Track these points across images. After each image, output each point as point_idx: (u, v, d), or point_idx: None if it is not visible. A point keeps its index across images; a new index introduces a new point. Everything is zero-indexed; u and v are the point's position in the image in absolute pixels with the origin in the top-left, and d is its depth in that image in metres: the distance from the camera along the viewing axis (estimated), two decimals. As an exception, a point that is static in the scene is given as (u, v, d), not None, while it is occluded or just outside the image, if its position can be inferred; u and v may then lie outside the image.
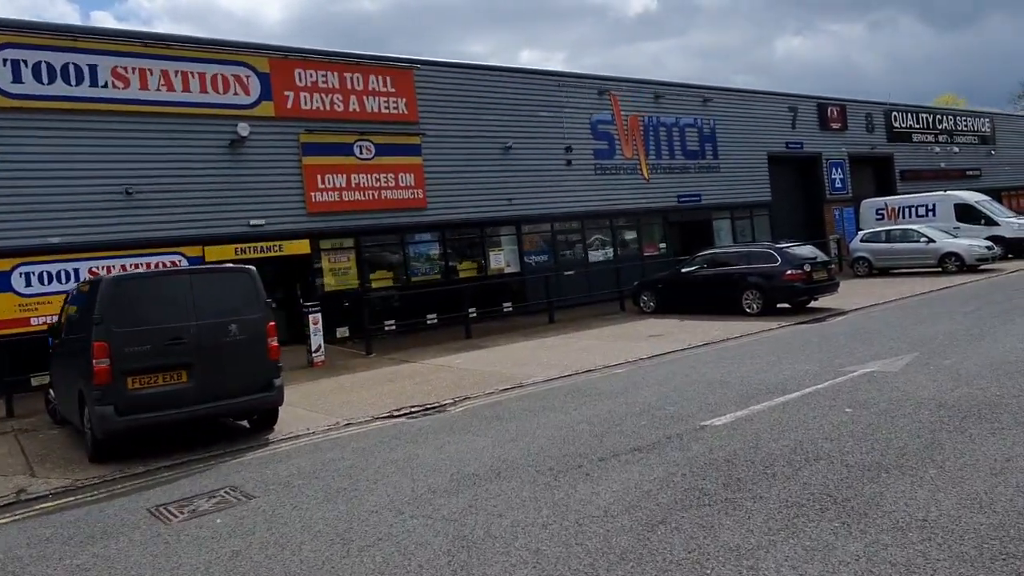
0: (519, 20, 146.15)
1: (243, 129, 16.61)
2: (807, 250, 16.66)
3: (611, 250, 24.16)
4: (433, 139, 19.71)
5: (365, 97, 18.65)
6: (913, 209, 27.29)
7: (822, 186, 32.00)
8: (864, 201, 29.26)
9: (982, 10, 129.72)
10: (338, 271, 18.32)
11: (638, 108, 24.92)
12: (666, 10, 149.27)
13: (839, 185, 32.75)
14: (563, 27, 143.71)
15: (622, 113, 24.39)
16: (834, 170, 32.60)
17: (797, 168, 31.59)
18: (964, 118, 41.15)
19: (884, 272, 23.67)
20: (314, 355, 14.55)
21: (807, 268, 15.60)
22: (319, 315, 14.77)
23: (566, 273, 20.80)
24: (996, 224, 25.05)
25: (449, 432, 7.80)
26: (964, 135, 40.41)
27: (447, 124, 20.05)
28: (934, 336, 10.50)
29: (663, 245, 25.54)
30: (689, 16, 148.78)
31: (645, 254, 24.89)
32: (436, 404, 9.61)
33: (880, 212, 28.15)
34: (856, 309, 15.62)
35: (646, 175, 24.92)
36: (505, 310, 20.43)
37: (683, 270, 17.98)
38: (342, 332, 17.49)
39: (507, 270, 21.51)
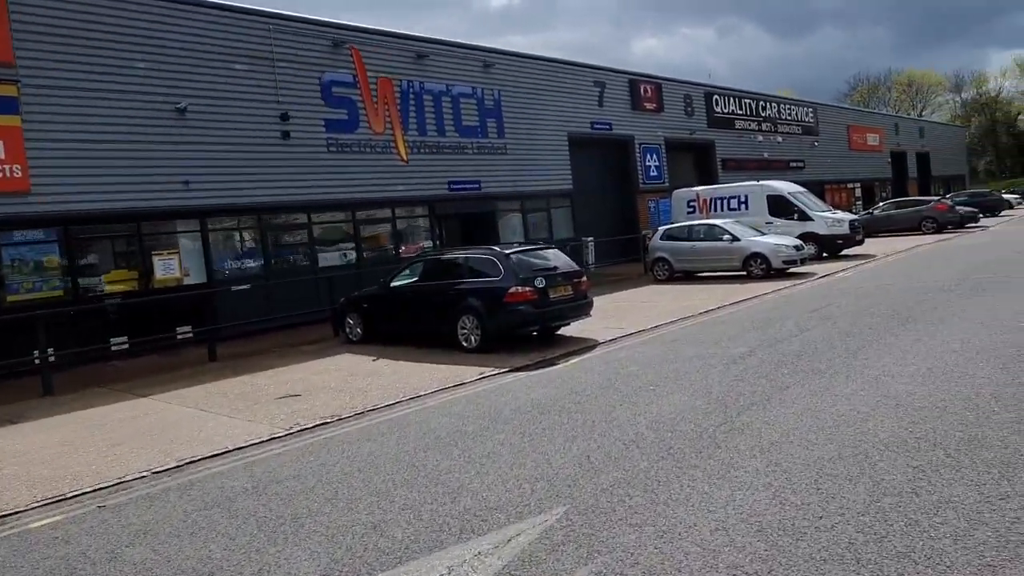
0: (378, 8, 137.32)
1: None
2: (551, 255, 11.85)
3: (354, 251, 18.68)
4: (43, 92, 13.29)
5: (-99, 19, 11.97)
6: (726, 201, 23.70)
7: (635, 174, 28.14)
8: (675, 191, 25.51)
9: (816, 21, 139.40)
10: None
11: (392, 69, 19.51)
12: (531, 6, 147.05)
13: (654, 173, 29.06)
14: (423, 17, 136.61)
15: (368, 74, 18.88)
16: (649, 156, 28.86)
17: (606, 153, 27.48)
18: (788, 107, 39.19)
19: (688, 276, 19.73)
20: None
21: (540, 284, 10.78)
22: None
23: (234, 288, 15.02)
24: (810, 219, 21.84)
25: None
26: (788, 124, 38.39)
27: (70, 71, 13.66)
28: (652, 430, 5.77)
29: (428, 244, 20.37)
30: (553, 12, 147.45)
31: (404, 255, 19.60)
32: None
33: (692, 204, 24.41)
34: (611, 341, 11.01)
35: (404, 156, 19.60)
36: (180, 337, 14.51)
37: (392, 283, 12.76)
38: None
39: (186, 280, 15.47)
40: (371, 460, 5.84)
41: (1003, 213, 38.87)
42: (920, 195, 43.84)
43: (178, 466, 6.43)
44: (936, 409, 5.48)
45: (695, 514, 3.93)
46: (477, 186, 21.58)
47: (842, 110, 48.23)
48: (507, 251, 11.27)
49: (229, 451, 6.76)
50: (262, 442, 7.00)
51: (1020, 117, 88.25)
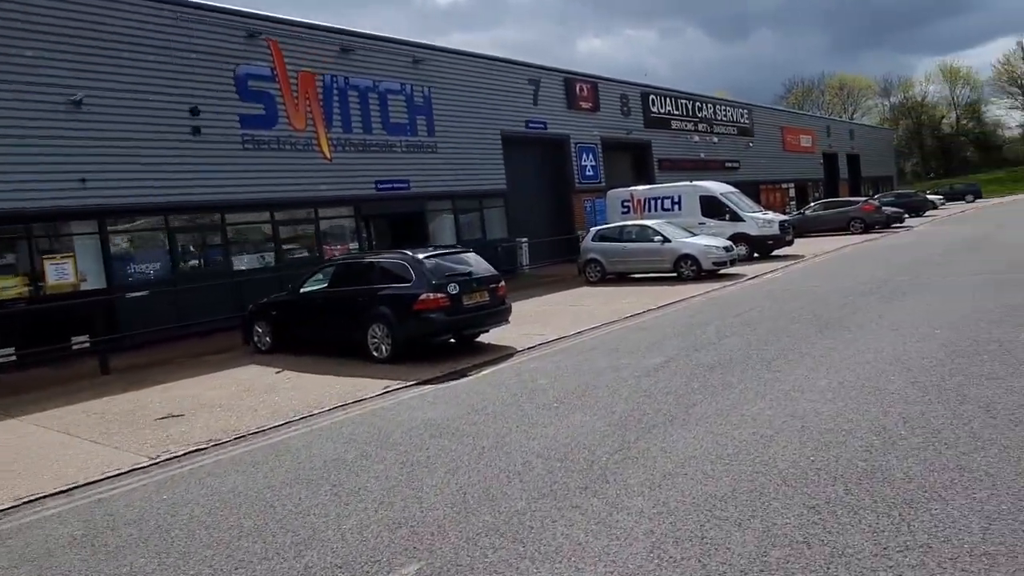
0: (317, 5, 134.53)
1: None
2: (469, 259, 11.28)
3: (274, 253, 17.76)
4: (-91, 79, 12.10)
5: None
6: (659, 201, 23.56)
7: (571, 174, 27.81)
8: (609, 192, 25.30)
9: (754, 25, 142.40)
10: None
11: (314, 63, 18.63)
12: (477, 4, 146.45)
13: (590, 173, 28.80)
14: (369, 13, 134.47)
15: (287, 68, 17.98)
16: (585, 156, 28.57)
17: (541, 152, 27.07)
18: (724, 108, 39.56)
19: (621, 277, 19.45)
20: None
21: (453, 290, 10.22)
22: None
23: (129, 295, 14.03)
24: (741, 220, 21.86)
25: None
26: (724, 125, 38.74)
27: (-57, 58, 12.50)
28: (542, 458, 5.28)
29: (355, 246, 19.58)
30: (499, 11, 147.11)
31: (329, 258, 18.75)
32: None
33: (626, 204, 24.19)
34: (529, 349, 10.54)
35: (327, 153, 18.76)
36: (76, 347, 13.54)
37: (302, 289, 12.02)
38: None
39: (84, 286, 14.35)
40: (229, 499, 5.18)
41: (927, 213, 40.07)
42: (851, 195, 44.89)
43: (14, 506, 5.65)
44: (842, 432, 5.14)
45: (560, 575, 3.43)
46: (406, 185, 20.87)
47: (776, 112, 49.07)
48: (420, 255, 10.66)
49: (78, 486, 6.00)
50: (121, 474, 6.25)
51: (944, 121, 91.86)
